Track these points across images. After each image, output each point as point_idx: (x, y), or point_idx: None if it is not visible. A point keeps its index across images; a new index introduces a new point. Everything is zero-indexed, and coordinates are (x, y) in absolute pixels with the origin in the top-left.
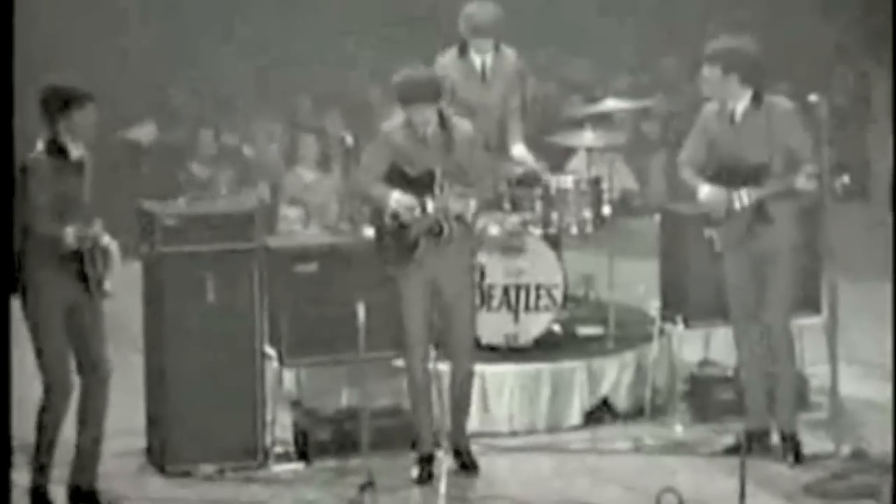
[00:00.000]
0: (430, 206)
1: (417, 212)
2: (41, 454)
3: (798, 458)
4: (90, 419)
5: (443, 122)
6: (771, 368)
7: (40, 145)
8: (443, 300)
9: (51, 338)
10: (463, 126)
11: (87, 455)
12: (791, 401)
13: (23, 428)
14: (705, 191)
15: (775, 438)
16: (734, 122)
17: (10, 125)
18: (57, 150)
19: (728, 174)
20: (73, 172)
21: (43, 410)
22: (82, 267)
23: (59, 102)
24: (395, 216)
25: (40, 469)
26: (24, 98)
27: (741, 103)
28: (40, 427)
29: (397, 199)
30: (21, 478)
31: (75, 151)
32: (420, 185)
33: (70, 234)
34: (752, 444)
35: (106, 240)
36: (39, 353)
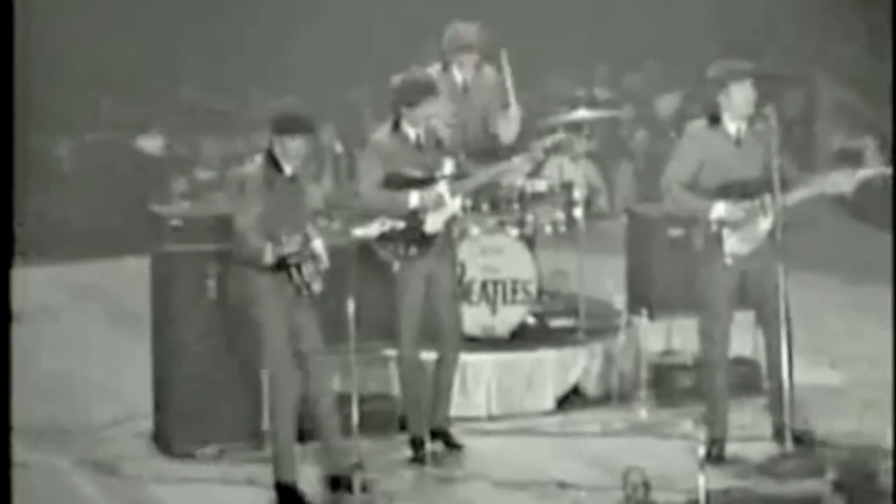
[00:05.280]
0: (447, 195)
1: (436, 206)
2: (281, 448)
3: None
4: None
5: (429, 124)
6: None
7: (259, 158)
8: (437, 293)
9: (274, 338)
10: (446, 129)
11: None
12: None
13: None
14: (721, 208)
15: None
16: (739, 141)
17: (10, 124)
18: (273, 164)
19: (732, 190)
20: (285, 186)
21: (274, 406)
22: (290, 276)
23: (275, 127)
24: (415, 213)
25: (283, 463)
26: (24, 99)
27: (744, 123)
28: (274, 422)
29: (419, 197)
30: (21, 456)
31: (289, 167)
32: (428, 182)
33: (269, 252)
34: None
35: (317, 244)
36: (265, 353)
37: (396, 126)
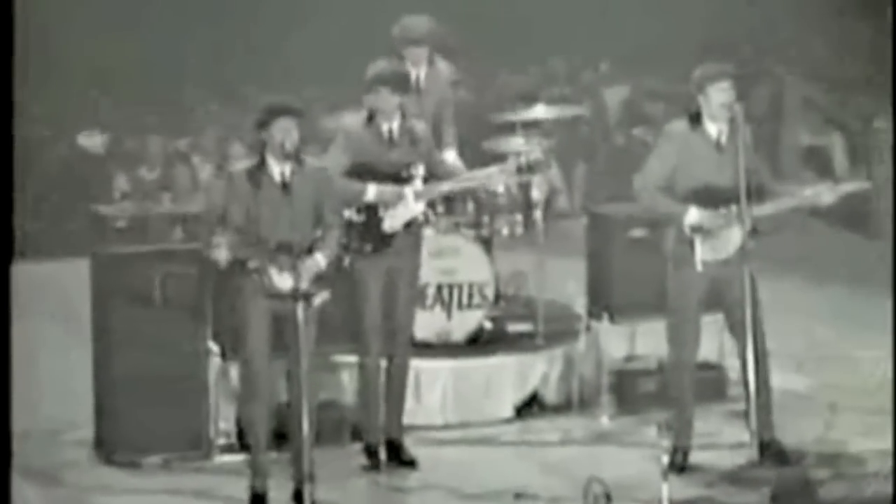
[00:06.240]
0: (411, 197)
1: (397, 203)
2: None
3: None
4: None
5: (404, 120)
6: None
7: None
8: (393, 294)
9: (252, 339)
10: (421, 125)
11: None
12: (767, 406)
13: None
14: (695, 215)
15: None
16: (720, 146)
17: (10, 125)
18: (262, 166)
19: (708, 196)
20: (273, 191)
21: (248, 412)
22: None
23: (265, 114)
24: (373, 208)
25: (255, 470)
26: (23, 98)
27: (725, 126)
28: (248, 428)
29: (377, 191)
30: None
31: (276, 169)
32: (397, 179)
33: (221, 255)
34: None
35: (318, 257)
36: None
37: (371, 118)
